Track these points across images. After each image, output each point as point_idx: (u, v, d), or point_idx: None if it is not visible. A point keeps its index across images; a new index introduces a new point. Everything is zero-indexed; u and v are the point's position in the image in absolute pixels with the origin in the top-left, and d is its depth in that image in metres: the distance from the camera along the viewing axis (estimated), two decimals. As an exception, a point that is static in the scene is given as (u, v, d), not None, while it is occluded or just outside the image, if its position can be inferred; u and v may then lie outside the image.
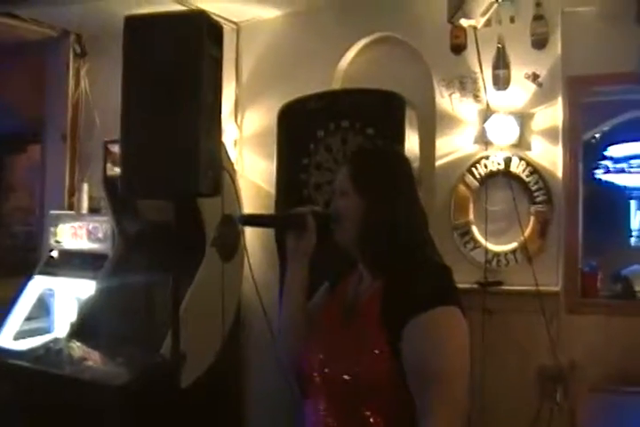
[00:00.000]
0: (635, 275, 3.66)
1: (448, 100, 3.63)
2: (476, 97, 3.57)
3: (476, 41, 3.36)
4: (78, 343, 3.46)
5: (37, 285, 4.07)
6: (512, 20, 3.47)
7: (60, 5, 3.93)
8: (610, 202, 4.38)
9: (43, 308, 4.15)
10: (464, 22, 3.25)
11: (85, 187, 4.36)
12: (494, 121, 3.44)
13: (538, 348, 3.30)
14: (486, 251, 3.50)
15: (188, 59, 2.13)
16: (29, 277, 4.08)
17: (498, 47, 3.48)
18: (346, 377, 1.45)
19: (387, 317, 1.44)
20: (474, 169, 3.57)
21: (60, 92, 4.58)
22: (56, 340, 3.54)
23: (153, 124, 2.14)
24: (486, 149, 3.53)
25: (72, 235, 4.12)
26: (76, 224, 4.12)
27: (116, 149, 3.51)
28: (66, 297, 4.09)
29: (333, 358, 1.51)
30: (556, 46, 3.42)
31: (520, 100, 3.49)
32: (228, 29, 3.87)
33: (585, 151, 3.71)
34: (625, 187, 4.48)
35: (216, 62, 2.24)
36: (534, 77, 3.46)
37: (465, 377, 1.41)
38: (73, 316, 3.75)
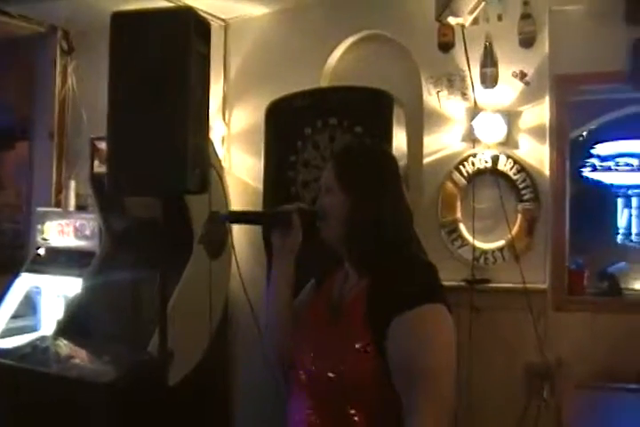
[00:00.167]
0: (621, 272, 3.69)
1: (436, 98, 3.64)
2: (463, 95, 3.58)
3: (464, 39, 3.36)
4: (65, 341, 3.44)
5: (24, 282, 4.04)
6: (500, 18, 3.48)
7: (47, 1, 3.90)
8: (596, 200, 4.40)
9: (29, 306, 4.13)
10: (452, 20, 3.25)
11: (73, 184, 4.33)
12: (482, 119, 3.45)
13: (525, 345, 3.32)
14: (474, 248, 3.51)
15: (175, 55, 2.12)
16: (16, 275, 4.05)
17: (485, 45, 3.49)
18: (331, 375, 1.45)
19: (372, 315, 1.44)
20: (461, 167, 3.57)
21: (48, 89, 4.55)
22: (42, 338, 3.53)
23: (140, 121, 2.14)
24: (474, 147, 3.54)
25: (59, 232, 4.09)
26: (64, 222, 4.10)
27: (103, 146, 3.48)
28: (52, 295, 4.07)
29: (319, 356, 1.51)
30: (544, 45, 3.44)
31: (507, 99, 3.50)
32: (215, 26, 3.87)
33: (572, 149, 3.73)
34: (612, 185, 4.50)
35: (204, 59, 2.23)
36: (522, 76, 3.47)
37: (451, 374, 1.41)
38: (60, 314, 3.73)
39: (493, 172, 3.50)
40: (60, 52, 4.50)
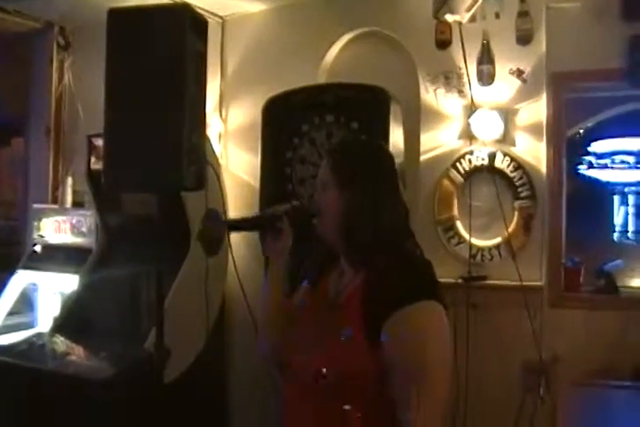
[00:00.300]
0: (617, 270, 3.70)
1: (433, 96, 3.64)
2: (460, 92, 3.58)
3: (461, 36, 3.36)
4: (62, 338, 3.44)
5: (20, 279, 4.04)
6: (497, 15, 3.48)
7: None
8: (593, 197, 4.41)
9: (26, 303, 4.12)
10: (449, 18, 3.26)
11: (69, 181, 4.33)
12: (479, 116, 3.45)
13: (521, 342, 3.32)
14: (470, 246, 3.52)
15: (171, 52, 2.11)
16: (12, 272, 4.05)
17: (483, 43, 3.49)
18: (325, 372, 1.45)
19: (367, 311, 1.44)
20: (458, 164, 3.58)
21: (44, 85, 4.54)
22: (39, 334, 3.52)
23: (136, 117, 2.13)
24: (470, 145, 3.55)
25: (56, 229, 4.08)
26: (60, 218, 4.09)
27: (99, 142, 3.48)
28: (49, 292, 4.06)
29: (313, 353, 1.50)
30: (541, 42, 3.44)
31: (505, 96, 3.50)
32: (213, 23, 3.84)
33: (569, 147, 3.73)
34: (608, 182, 4.51)
35: (200, 56, 2.22)
36: (519, 73, 3.47)
37: (447, 372, 1.42)
38: (56, 310, 3.73)
39: (490, 169, 3.51)
40: (57, 48, 4.48)
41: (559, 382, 3.19)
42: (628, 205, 4.46)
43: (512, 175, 3.47)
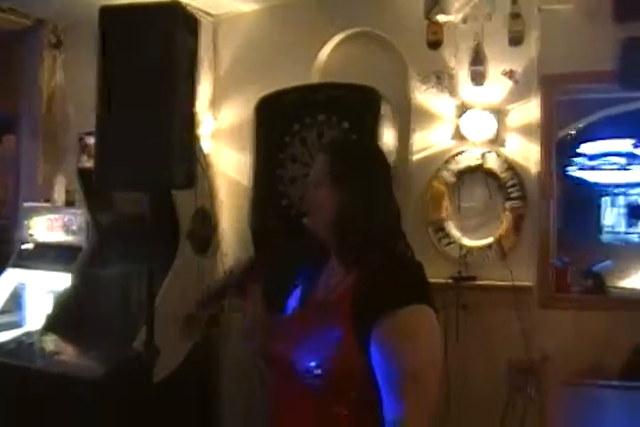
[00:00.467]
0: (606, 270, 3.72)
1: (424, 96, 3.64)
2: (452, 93, 3.58)
3: (454, 37, 3.37)
4: (52, 337, 3.43)
5: (10, 278, 4.02)
6: (489, 16, 3.48)
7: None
8: (583, 199, 4.43)
9: (15, 301, 4.10)
10: (441, 18, 3.27)
11: (61, 179, 4.31)
12: (470, 117, 3.46)
13: (511, 342, 3.33)
14: (461, 246, 3.52)
15: (163, 50, 2.12)
16: (2, 271, 4.03)
17: (474, 44, 3.49)
18: (315, 372, 1.44)
19: (358, 313, 1.43)
20: (449, 165, 3.58)
21: (35, 83, 4.52)
22: (28, 333, 3.51)
23: (128, 116, 2.13)
24: (462, 145, 3.55)
25: (47, 227, 4.07)
26: (52, 217, 4.08)
27: (91, 141, 3.47)
28: (39, 290, 4.05)
29: (303, 353, 1.50)
30: (533, 44, 3.45)
31: (496, 97, 3.51)
32: (205, 22, 3.85)
33: (559, 148, 3.75)
34: (598, 184, 4.53)
35: (192, 54, 2.23)
36: (510, 74, 3.48)
37: (437, 374, 1.41)
38: (48, 309, 3.72)
39: (481, 170, 3.51)
40: (48, 45, 4.47)
41: (548, 382, 3.20)
42: (616, 206, 4.48)
43: (503, 176, 3.48)
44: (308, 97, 3.55)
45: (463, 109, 3.49)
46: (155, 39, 2.12)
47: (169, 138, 2.12)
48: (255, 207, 3.62)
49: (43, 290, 4.01)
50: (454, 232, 3.57)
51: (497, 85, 3.50)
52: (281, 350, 1.57)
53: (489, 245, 3.50)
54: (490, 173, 3.50)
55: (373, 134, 3.20)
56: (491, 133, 3.47)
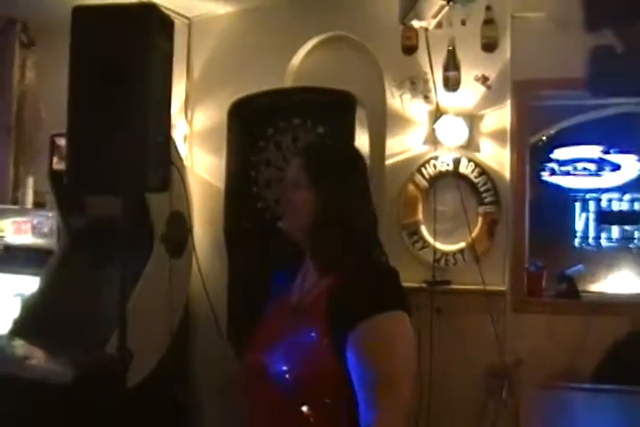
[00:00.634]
0: (578, 275, 3.75)
1: (399, 101, 3.66)
2: (426, 98, 3.60)
3: (427, 42, 3.38)
4: (21, 341, 3.37)
5: (-22, 281, 3.96)
6: (463, 22, 3.51)
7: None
8: (555, 203, 4.47)
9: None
10: (415, 24, 3.27)
11: (30, 181, 4.25)
12: (444, 122, 3.47)
13: (484, 346, 3.35)
14: (434, 250, 3.54)
15: (137, 52, 2.10)
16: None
17: (448, 49, 3.52)
18: (287, 376, 1.43)
19: (334, 317, 1.43)
20: (423, 169, 3.60)
21: (6, 83, 4.46)
22: (-3, 338, 3.45)
23: (100, 117, 2.11)
24: (436, 150, 3.57)
25: (16, 230, 4.02)
26: (21, 219, 4.02)
27: (62, 142, 3.43)
28: (8, 294, 3.99)
29: (277, 357, 1.49)
30: (506, 50, 3.48)
31: (469, 102, 3.53)
32: (179, 24, 3.82)
33: (532, 153, 3.78)
34: (570, 189, 4.59)
35: (166, 56, 2.21)
36: (484, 80, 3.51)
37: (410, 380, 1.42)
38: (15, 313, 3.66)
39: (455, 174, 3.54)
40: (20, 45, 4.41)
41: (521, 385, 3.23)
42: (588, 211, 4.54)
43: (476, 181, 3.51)
44: (282, 101, 3.55)
45: (437, 114, 3.50)
46: (128, 40, 2.10)
47: (143, 140, 2.09)
48: (229, 210, 3.61)
49: (11, 293, 3.95)
50: (428, 236, 3.59)
51: (470, 91, 3.53)
52: (253, 354, 1.56)
53: (462, 250, 3.52)
54: (463, 178, 3.53)
55: (349, 138, 3.20)
56: (464, 139, 3.49)
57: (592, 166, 4.57)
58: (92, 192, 3.00)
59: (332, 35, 3.84)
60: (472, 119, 3.50)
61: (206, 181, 4.07)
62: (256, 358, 1.54)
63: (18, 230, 4.01)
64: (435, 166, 3.58)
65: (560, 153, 4.58)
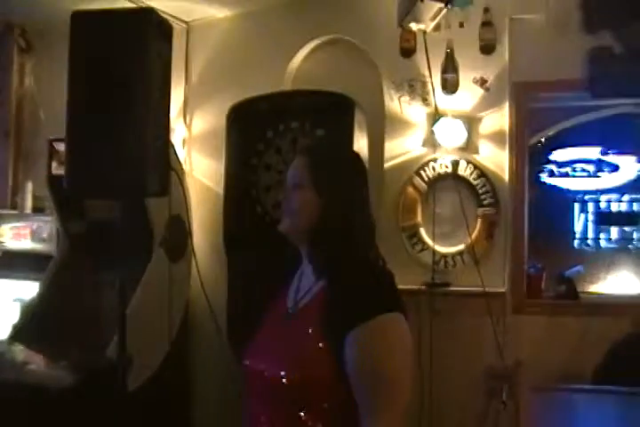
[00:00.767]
0: (577, 276, 3.76)
1: (397, 103, 3.66)
2: (424, 100, 3.61)
3: (426, 45, 3.39)
4: (20, 346, 3.37)
5: (-23, 286, 3.95)
6: (461, 25, 3.51)
7: (3, -2, 3.83)
8: (554, 205, 4.48)
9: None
10: (414, 26, 3.27)
11: (29, 186, 4.25)
12: (442, 124, 3.48)
13: (484, 347, 3.36)
14: (434, 252, 3.54)
15: (135, 56, 2.09)
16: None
17: (447, 52, 3.52)
18: (285, 381, 1.42)
19: (331, 321, 1.42)
20: (422, 172, 3.60)
21: (4, 88, 4.46)
22: (-3, 343, 3.45)
23: (99, 122, 2.10)
24: (434, 152, 3.58)
25: (15, 235, 4.01)
26: (20, 224, 4.02)
27: (61, 147, 3.43)
28: (6, 299, 3.98)
29: (274, 362, 1.48)
30: (504, 52, 3.49)
31: (468, 105, 3.54)
32: (178, 28, 3.83)
33: (531, 155, 3.79)
34: (569, 190, 4.59)
35: (165, 61, 2.21)
36: (482, 82, 3.52)
37: (408, 383, 1.41)
38: (14, 318, 3.65)
39: (454, 177, 3.54)
40: (18, 50, 4.41)
41: (521, 387, 3.22)
42: (587, 212, 4.54)
43: (475, 183, 3.51)
44: (282, 104, 3.55)
45: (436, 117, 3.51)
46: (127, 45, 2.09)
47: (141, 144, 2.09)
48: (228, 213, 3.61)
49: (11, 299, 3.95)
50: (427, 239, 3.59)
51: (469, 93, 3.54)
52: (251, 358, 1.56)
53: (461, 252, 3.52)
54: (462, 180, 3.53)
55: (348, 141, 3.20)
56: (463, 141, 3.50)
57: (591, 168, 4.58)
58: (91, 197, 3.00)
59: (330, 38, 3.85)
60: (471, 121, 3.51)
61: (205, 185, 4.07)
62: (253, 362, 1.54)
63: (17, 235, 4.00)
64: (433, 169, 3.58)
65: (559, 154, 4.59)
